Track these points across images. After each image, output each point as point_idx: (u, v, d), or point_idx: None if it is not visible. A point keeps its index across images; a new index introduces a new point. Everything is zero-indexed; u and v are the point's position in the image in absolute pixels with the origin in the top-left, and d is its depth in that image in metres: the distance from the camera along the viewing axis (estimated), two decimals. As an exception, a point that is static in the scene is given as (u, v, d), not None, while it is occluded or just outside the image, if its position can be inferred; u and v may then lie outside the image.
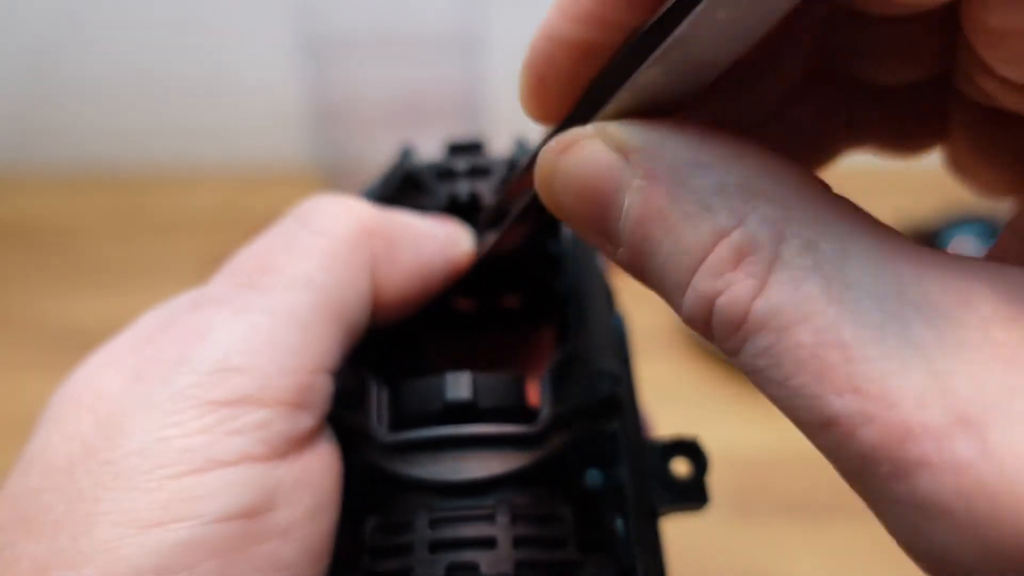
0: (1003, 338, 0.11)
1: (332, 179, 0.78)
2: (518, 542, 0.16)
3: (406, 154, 0.23)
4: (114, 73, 0.80)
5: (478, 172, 0.22)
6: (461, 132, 0.80)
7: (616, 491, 0.18)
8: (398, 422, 0.18)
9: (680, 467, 0.19)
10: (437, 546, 0.16)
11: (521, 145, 0.23)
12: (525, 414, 0.18)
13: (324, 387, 0.17)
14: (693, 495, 0.19)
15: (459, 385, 0.18)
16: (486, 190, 0.22)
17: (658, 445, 0.19)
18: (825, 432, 0.12)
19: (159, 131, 0.82)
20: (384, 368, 0.20)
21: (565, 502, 0.18)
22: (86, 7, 0.76)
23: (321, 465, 0.17)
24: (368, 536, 0.17)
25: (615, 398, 0.18)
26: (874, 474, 0.12)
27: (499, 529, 0.16)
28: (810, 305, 0.11)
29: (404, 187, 0.22)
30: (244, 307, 0.16)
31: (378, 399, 0.18)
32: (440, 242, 0.20)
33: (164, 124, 0.82)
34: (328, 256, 0.17)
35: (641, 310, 0.67)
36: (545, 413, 0.18)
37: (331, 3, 0.68)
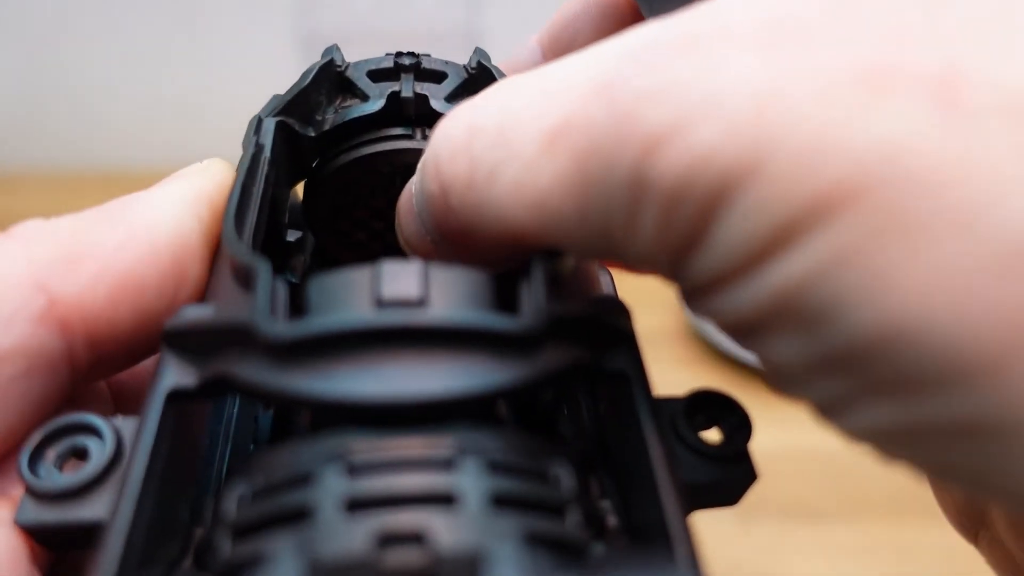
0: None
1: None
2: (496, 501, 0.10)
3: (331, 51, 0.17)
4: (111, 73, 0.79)
5: (426, 73, 0.17)
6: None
7: (638, 451, 0.12)
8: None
9: (709, 434, 0.14)
10: (359, 504, 0.10)
11: (480, 52, 0.18)
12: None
13: None
14: (738, 466, 0.13)
15: (401, 277, 0.12)
16: (438, 95, 0.17)
17: (679, 402, 0.14)
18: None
19: (157, 131, 0.82)
20: None
21: (559, 455, 0.12)
22: (85, 7, 0.76)
23: None
24: (235, 507, 0.11)
25: (628, 326, 0.13)
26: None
27: (464, 477, 0.10)
28: None
29: (324, 85, 0.17)
30: None
31: (274, 292, 0.12)
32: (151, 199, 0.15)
33: (162, 124, 0.82)
34: None
35: (644, 311, 0.67)
36: (539, 307, 0.12)
37: (330, 2, 0.67)
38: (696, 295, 0.11)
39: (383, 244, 0.19)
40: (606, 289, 0.16)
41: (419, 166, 0.14)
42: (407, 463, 0.10)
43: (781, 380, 0.11)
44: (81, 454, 0.12)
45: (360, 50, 0.19)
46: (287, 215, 0.19)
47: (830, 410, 0.10)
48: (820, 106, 0.09)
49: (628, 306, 0.14)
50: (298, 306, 0.12)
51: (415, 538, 0.10)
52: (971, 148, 0.08)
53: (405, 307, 0.11)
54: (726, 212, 0.10)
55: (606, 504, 0.13)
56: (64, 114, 0.82)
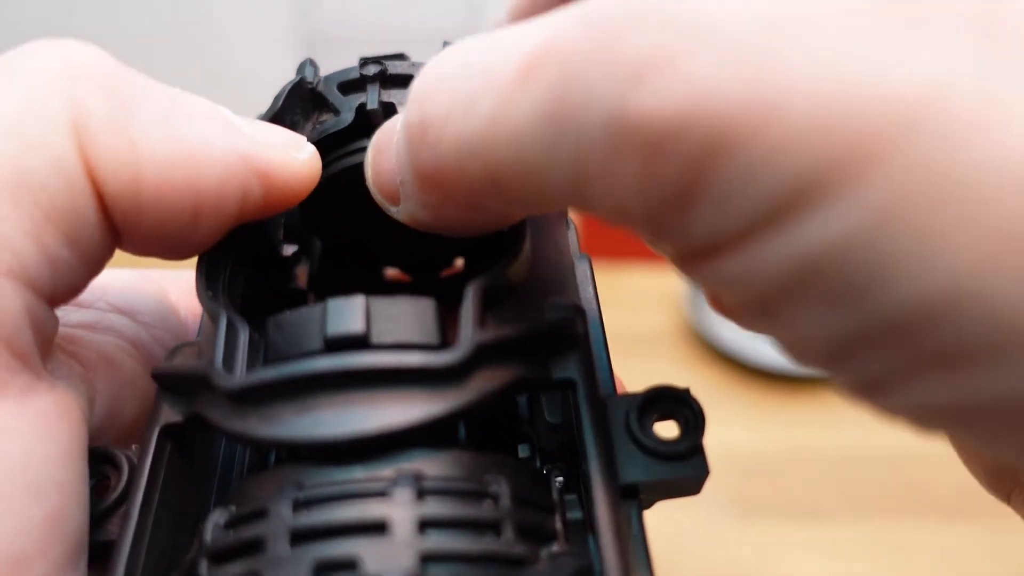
0: None
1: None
2: (425, 526, 0.11)
3: (303, 67, 0.18)
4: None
5: (392, 80, 0.17)
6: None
7: (583, 454, 0.13)
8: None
9: (666, 431, 0.14)
10: (302, 536, 0.11)
11: (447, 45, 0.18)
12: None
13: (9, 302, 0.12)
14: (687, 462, 0.13)
15: (345, 314, 0.13)
16: (405, 100, 0.16)
17: (635, 400, 0.14)
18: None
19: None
20: None
21: (500, 472, 0.12)
22: (84, 9, 0.76)
23: (26, 428, 0.12)
24: (210, 536, 0.12)
25: (570, 329, 0.14)
26: None
27: (396, 507, 0.11)
28: None
29: (298, 104, 0.17)
30: None
31: (229, 339, 0.13)
32: (239, 134, 0.14)
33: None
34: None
35: (644, 311, 0.66)
36: (466, 338, 0.12)
37: (330, 3, 0.67)
38: (691, 260, 0.10)
39: (385, 234, 0.19)
40: (581, 278, 0.16)
41: (407, 100, 0.13)
42: (347, 495, 0.11)
43: (806, 359, 0.10)
44: (106, 482, 0.14)
45: (361, 51, 0.19)
46: (282, 230, 0.19)
47: (870, 388, 0.09)
48: (845, 38, 0.08)
49: (580, 306, 0.14)
50: (265, 342, 0.14)
51: (349, 565, 0.11)
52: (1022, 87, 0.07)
53: (350, 344, 0.12)
54: (727, 165, 0.08)
55: (571, 498, 0.14)
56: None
